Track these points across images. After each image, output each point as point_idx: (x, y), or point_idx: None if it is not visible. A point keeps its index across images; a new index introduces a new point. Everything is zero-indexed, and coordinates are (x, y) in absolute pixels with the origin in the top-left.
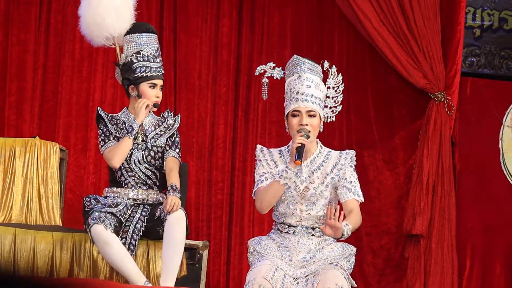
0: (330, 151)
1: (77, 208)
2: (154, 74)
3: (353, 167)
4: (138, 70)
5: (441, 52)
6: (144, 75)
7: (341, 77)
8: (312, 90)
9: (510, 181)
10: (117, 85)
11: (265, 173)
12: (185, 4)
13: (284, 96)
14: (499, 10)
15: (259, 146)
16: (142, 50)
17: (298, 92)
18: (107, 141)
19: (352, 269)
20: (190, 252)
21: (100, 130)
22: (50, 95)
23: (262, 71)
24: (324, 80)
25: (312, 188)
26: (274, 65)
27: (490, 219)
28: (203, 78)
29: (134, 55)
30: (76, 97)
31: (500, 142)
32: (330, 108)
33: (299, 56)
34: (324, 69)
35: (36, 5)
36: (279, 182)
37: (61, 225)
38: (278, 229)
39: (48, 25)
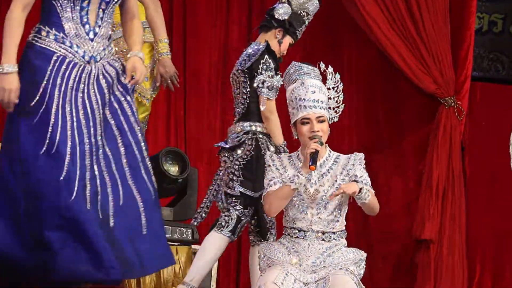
0: (339, 155)
1: None
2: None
3: (362, 165)
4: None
5: (451, 57)
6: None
7: (339, 76)
8: (317, 95)
9: None
10: None
11: (274, 177)
12: (195, 9)
13: (287, 103)
14: (488, 13)
15: (268, 153)
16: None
17: (304, 99)
18: None
19: (362, 275)
20: None
21: None
22: None
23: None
24: (323, 82)
25: (322, 191)
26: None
27: (500, 224)
28: (213, 83)
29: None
30: None
31: (510, 147)
32: (333, 109)
33: (297, 62)
34: (322, 71)
35: None
36: (290, 186)
37: None
38: (289, 234)
39: None
